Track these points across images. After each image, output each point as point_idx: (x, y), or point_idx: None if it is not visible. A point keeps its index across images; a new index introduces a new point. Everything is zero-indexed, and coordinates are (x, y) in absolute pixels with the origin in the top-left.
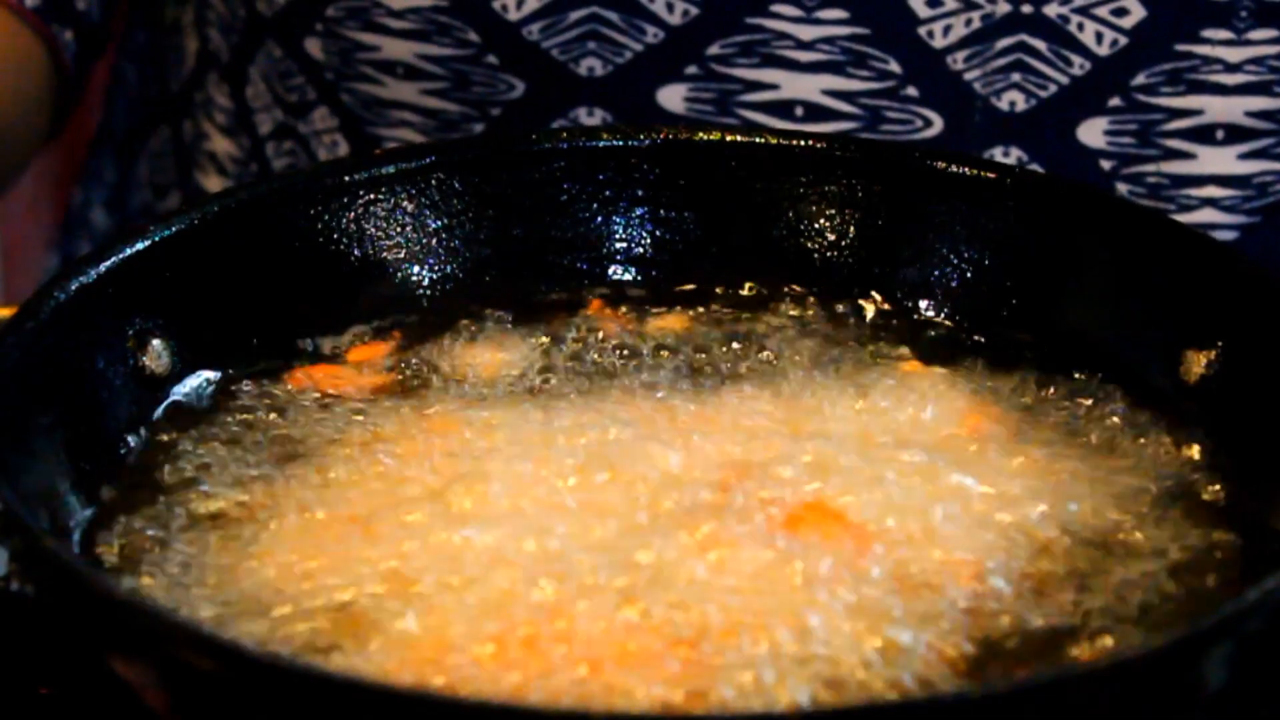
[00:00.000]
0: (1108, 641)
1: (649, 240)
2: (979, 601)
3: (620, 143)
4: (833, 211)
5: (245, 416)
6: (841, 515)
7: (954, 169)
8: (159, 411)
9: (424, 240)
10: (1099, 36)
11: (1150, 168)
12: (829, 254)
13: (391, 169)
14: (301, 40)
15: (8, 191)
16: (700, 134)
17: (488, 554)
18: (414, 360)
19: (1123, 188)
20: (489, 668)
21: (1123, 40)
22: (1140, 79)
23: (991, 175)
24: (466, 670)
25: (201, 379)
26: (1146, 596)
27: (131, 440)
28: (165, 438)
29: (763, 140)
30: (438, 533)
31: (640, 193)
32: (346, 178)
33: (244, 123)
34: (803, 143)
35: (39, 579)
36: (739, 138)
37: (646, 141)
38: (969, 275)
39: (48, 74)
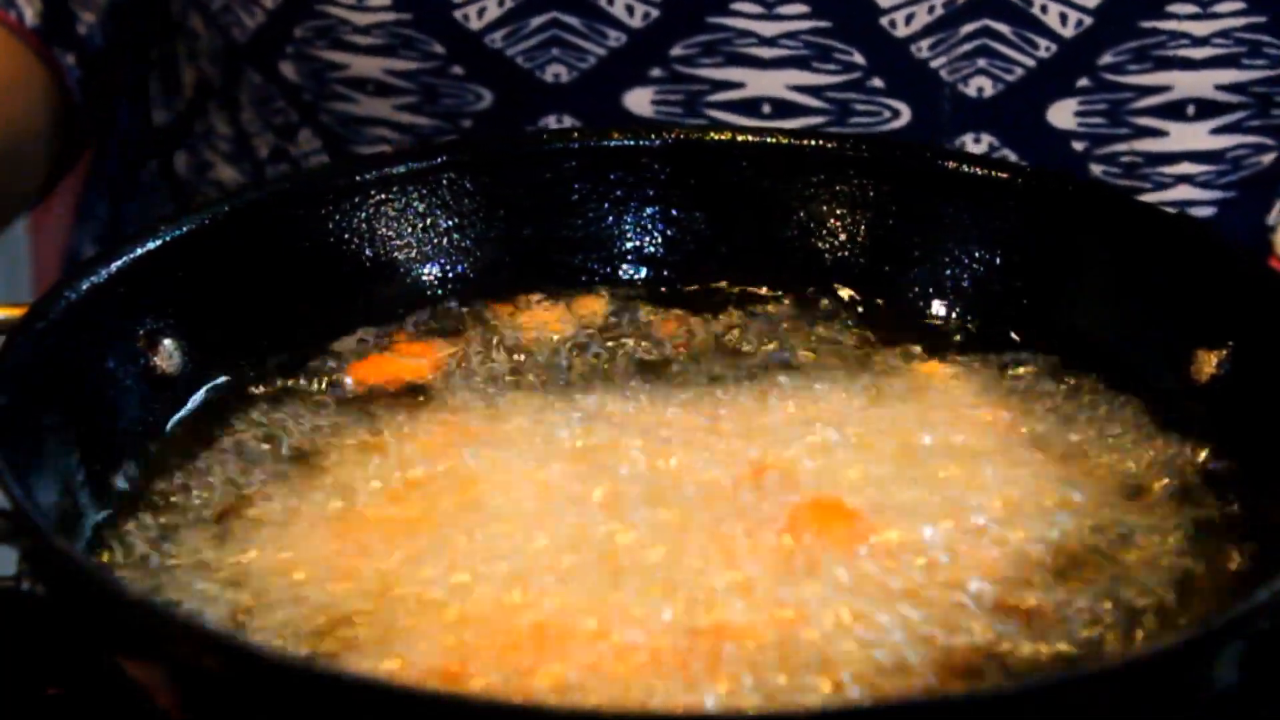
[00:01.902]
0: (1117, 641)
1: (660, 240)
2: (988, 600)
3: (631, 142)
4: (843, 211)
5: (255, 417)
6: (852, 513)
7: (965, 169)
8: (169, 412)
9: (435, 240)
10: (1063, 17)
11: (1123, 147)
12: (840, 253)
13: (402, 169)
14: (276, 63)
15: (19, 215)
16: (711, 134)
17: (496, 554)
18: (424, 361)
19: (1096, 169)
20: (496, 667)
21: (1087, 20)
22: (1107, 58)
23: (1003, 175)
24: (474, 670)
25: (212, 379)
26: (1156, 597)
27: (142, 440)
28: (176, 438)
29: (774, 140)
30: (446, 533)
31: (651, 192)
32: (357, 177)
33: (244, 149)
34: (813, 142)
35: (49, 579)
36: (750, 138)
37: (657, 141)
38: (980, 275)
39: (50, 97)
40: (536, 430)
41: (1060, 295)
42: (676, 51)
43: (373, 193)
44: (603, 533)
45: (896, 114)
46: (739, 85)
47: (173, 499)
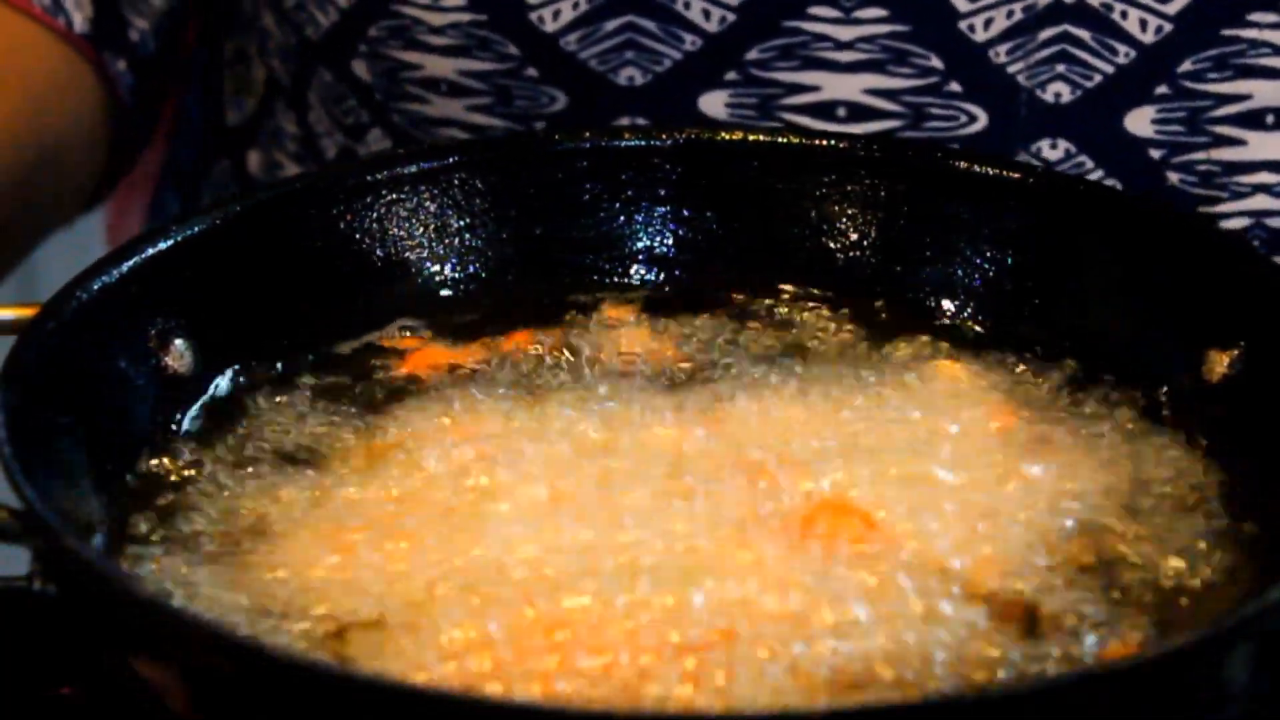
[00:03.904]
0: (1128, 641)
1: (671, 240)
2: (999, 600)
3: (642, 142)
4: (855, 211)
5: (265, 418)
6: (863, 513)
7: (977, 169)
8: (181, 412)
9: (446, 240)
10: (1143, 24)
11: (1200, 155)
12: (851, 253)
13: (414, 168)
14: (349, 63)
15: (66, 222)
16: (722, 134)
17: (506, 555)
18: (434, 361)
19: (1173, 176)
20: (507, 669)
21: (1167, 27)
22: (1187, 65)
23: (1015, 175)
24: (484, 671)
25: (223, 379)
26: (1167, 596)
27: (153, 440)
28: (187, 438)
29: (785, 140)
30: (457, 535)
31: (662, 192)
32: (369, 177)
33: (311, 149)
34: (825, 143)
35: (61, 579)
36: (761, 138)
37: (669, 141)
38: (991, 275)
39: (100, 104)
40: (545, 431)
41: (1071, 295)
42: (752, 55)
43: (384, 192)
44: (614, 534)
45: (973, 119)
46: (814, 89)
47: (183, 500)
